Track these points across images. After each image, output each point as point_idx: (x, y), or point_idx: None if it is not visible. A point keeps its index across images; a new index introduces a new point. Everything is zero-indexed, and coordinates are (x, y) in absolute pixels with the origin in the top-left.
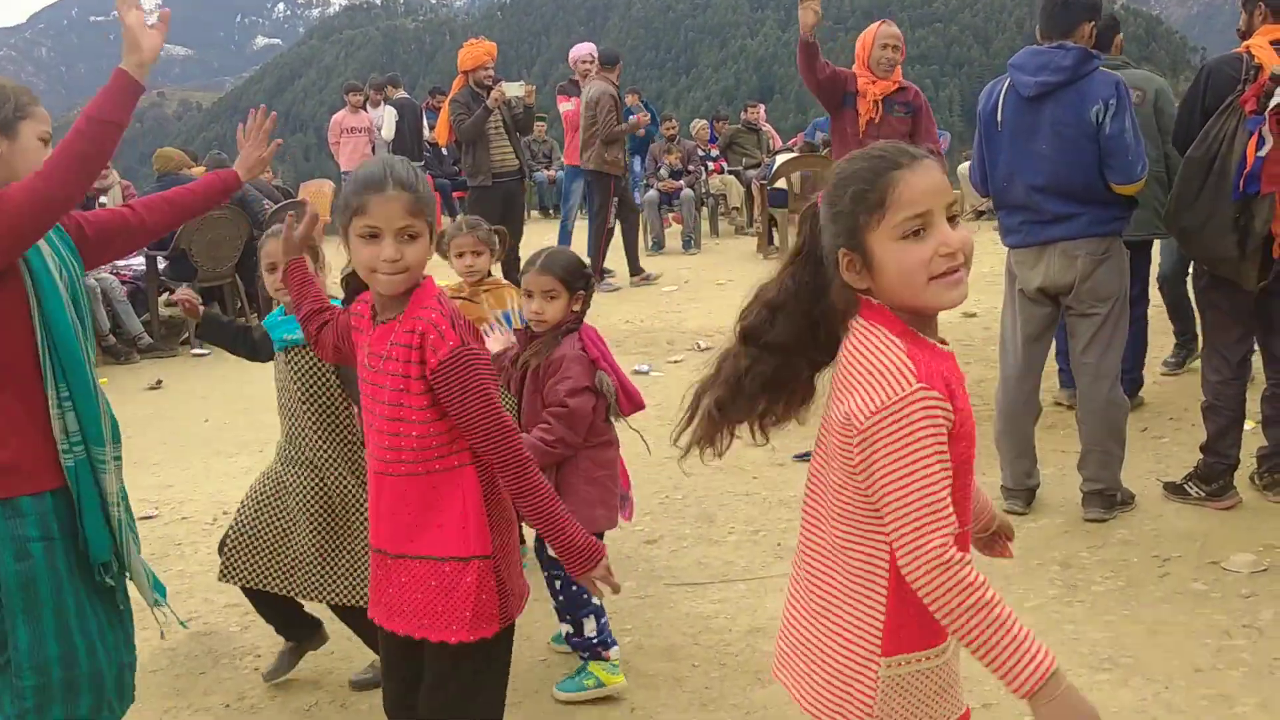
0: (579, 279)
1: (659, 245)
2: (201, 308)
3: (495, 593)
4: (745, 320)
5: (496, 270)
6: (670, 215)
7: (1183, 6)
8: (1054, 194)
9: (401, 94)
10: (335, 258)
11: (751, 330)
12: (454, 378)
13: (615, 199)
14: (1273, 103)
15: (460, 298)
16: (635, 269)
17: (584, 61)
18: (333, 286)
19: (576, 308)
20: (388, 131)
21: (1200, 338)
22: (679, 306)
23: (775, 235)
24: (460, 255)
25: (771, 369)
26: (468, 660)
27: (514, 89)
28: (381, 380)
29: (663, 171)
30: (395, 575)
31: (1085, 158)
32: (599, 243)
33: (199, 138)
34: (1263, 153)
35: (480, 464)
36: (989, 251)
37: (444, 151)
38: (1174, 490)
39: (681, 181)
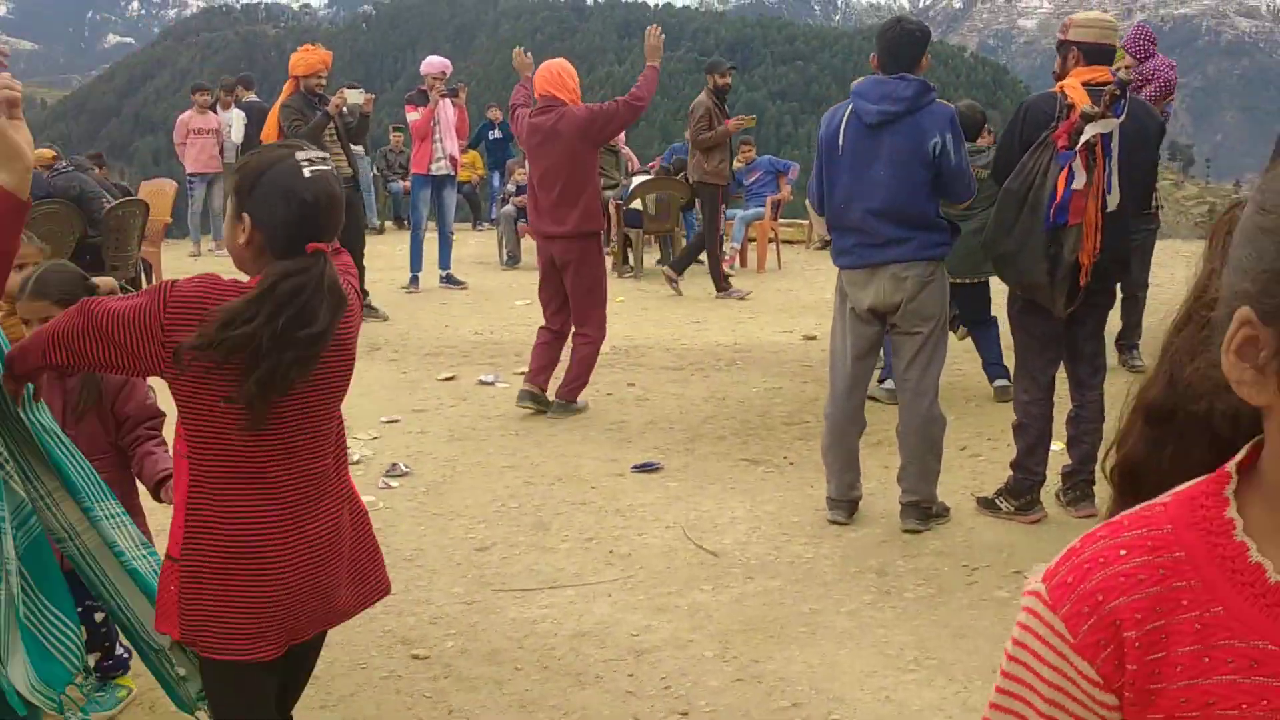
0: (79, 293)
1: (515, 260)
2: None
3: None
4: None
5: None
6: (528, 230)
7: (1027, 58)
8: (888, 218)
9: (252, 97)
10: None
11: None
12: None
13: (723, 207)
14: (1083, 139)
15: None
16: (721, 284)
17: (435, 76)
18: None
19: None
20: (237, 134)
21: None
22: (530, 319)
23: (630, 255)
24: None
25: None
26: None
27: (355, 96)
28: None
29: (510, 187)
30: None
31: (918, 184)
32: (712, 256)
33: (42, 135)
34: (1076, 186)
35: (193, 459)
36: (831, 278)
37: None
38: (985, 505)
39: None
